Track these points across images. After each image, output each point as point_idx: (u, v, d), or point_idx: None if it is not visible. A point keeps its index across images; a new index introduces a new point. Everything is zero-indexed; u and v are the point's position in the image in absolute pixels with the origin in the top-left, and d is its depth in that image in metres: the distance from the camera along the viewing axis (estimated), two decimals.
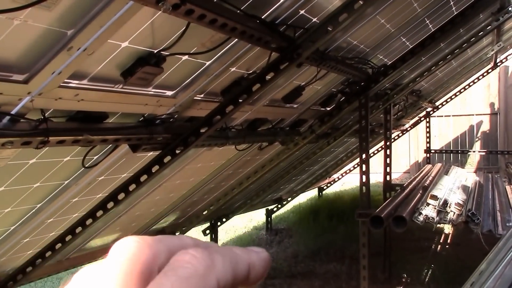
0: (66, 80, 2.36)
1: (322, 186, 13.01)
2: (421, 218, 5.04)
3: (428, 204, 5.23)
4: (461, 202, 5.52)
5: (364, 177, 5.54)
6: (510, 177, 9.11)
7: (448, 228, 9.63)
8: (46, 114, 2.47)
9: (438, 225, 5.66)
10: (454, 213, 5.18)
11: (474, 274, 2.80)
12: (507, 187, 7.59)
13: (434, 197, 5.31)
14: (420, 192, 6.08)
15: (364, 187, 5.54)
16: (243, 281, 0.43)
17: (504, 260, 2.51)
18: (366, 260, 5.44)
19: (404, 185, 6.92)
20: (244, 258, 0.44)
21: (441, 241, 9.28)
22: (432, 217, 5.07)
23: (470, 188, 6.90)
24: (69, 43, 2.10)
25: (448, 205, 5.24)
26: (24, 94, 2.23)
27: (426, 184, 6.66)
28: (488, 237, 5.03)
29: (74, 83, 2.45)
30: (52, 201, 3.57)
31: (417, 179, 7.79)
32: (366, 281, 5.47)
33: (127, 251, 0.40)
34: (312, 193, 13.50)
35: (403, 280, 7.09)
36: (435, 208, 5.19)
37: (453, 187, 6.47)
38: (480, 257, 2.88)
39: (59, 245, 3.91)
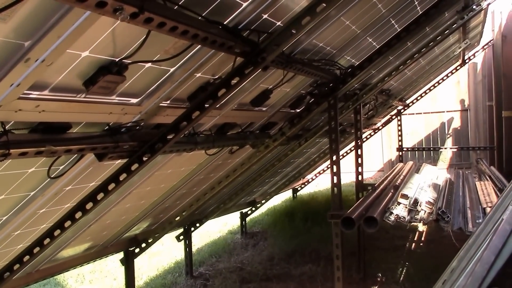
0: (26, 92, 2.33)
1: (297, 187, 13.03)
2: (392, 217, 5.07)
3: (399, 204, 5.27)
4: (431, 201, 5.56)
5: (335, 178, 5.56)
6: (480, 173, 9.22)
7: (421, 226, 9.71)
8: (6, 127, 2.43)
9: (411, 223, 5.69)
10: (425, 211, 5.22)
11: (445, 272, 2.81)
12: (477, 184, 7.67)
13: (405, 196, 5.36)
14: (391, 191, 6.12)
15: (335, 188, 5.55)
16: None
17: (474, 257, 2.52)
18: (340, 261, 5.45)
19: (376, 185, 6.95)
20: None
21: (415, 238, 9.35)
22: (403, 217, 5.10)
23: (440, 186, 6.96)
24: (26, 54, 2.07)
25: (419, 203, 5.28)
26: None
27: (397, 183, 6.70)
28: (459, 234, 5.08)
29: (34, 94, 2.42)
30: (19, 213, 3.52)
31: (389, 178, 7.84)
32: (341, 282, 5.47)
33: None
34: (287, 194, 13.52)
35: (378, 279, 7.11)
36: (406, 207, 5.23)
37: (424, 185, 6.52)
38: (453, 254, 2.89)
39: (27, 257, 3.86)
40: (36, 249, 3.83)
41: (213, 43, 2.77)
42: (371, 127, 11.74)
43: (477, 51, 11.36)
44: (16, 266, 3.93)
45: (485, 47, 11.89)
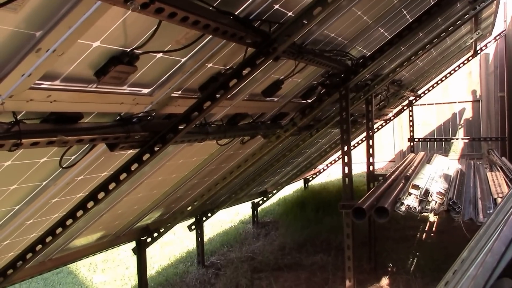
0: (37, 82, 2.34)
1: (308, 177, 13.03)
2: (403, 208, 5.06)
3: (409, 194, 5.25)
4: (442, 191, 5.54)
5: (346, 168, 5.56)
6: (492, 164, 9.17)
7: (432, 216, 9.69)
8: (18, 117, 2.45)
9: (422, 214, 5.68)
10: (436, 202, 5.20)
11: (456, 262, 2.80)
12: (488, 174, 7.63)
13: (416, 187, 5.34)
14: (402, 182, 6.10)
15: (346, 179, 5.55)
16: None
17: (485, 247, 2.51)
18: (351, 251, 5.46)
19: (387, 175, 6.94)
20: None
21: (426, 229, 9.33)
22: (414, 207, 5.08)
23: (451, 177, 6.93)
24: (37, 44, 2.08)
25: (430, 194, 5.27)
26: None
27: (408, 174, 6.69)
28: (470, 224, 5.07)
29: (45, 84, 2.43)
30: (31, 202, 3.55)
31: (400, 168, 7.82)
32: (352, 271, 5.49)
33: None
34: (298, 185, 13.53)
35: (389, 269, 7.12)
36: (416, 198, 5.21)
37: (435, 176, 6.50)
38: (464, 244, 2.89)
39: (39, 246, 3.90)
40: (49, 238, 3.87)
41: (224, 33, 2.77)
42: (382, 118, 11.71)
43: (489, 42, 11.28)
44: (29, 255, 3.96)
45: (497, 38, 11.81)
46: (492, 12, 8.32)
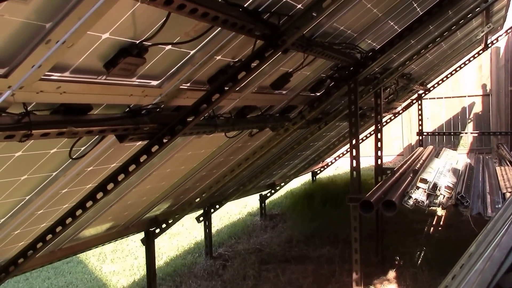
0: (47, 73, 2.35)
1: (316, 170, 13.02)
2: (411, 202, 5.06)
3: (418, 188, 5.25)
4: (451, 185, 5.53)
5: (354, 161, 5.56)
6: (501, 158, 9.14)
7: (440, 210, 9.67)
8: (28, 108, 2.47)
9: (430, 208, 5.68)
10: (444, 196, 5.19)
11: (463, 257, 2.80)
12: (498, 169, 7.61)
13: (424, 181, 5.33)
14: (411, 175, 6.10)
15: (354, 172, 5.56)
16: None
17: (493, 242, 2.51)
18: (358, 243, 5.47)
19: (395, 169, 6.93)
20: None
21: (433, 223, 9.33)
22: (422, 201, 5.08)
23: (460, 171, 6.92)
24: (47, 36, 2.09)
25: (438, 188, 5.26)
26: (5, 88, 2.22)
27: (416, 168, 6.67)
28: (478, 219, 5.06)
29: (55, 75, 2.45)
30: (41, 192, 3.58)
31: (408, 162, 7.81)
32: (358, 264, 5.50)
33: None
34: (306, 177, 13.52)
35: (396, 263, 7.12)
36: (425, 192, 5.21)
37: (443, 170, 6.48)
38: (472, 239, 2.89)
39: (50, 236, 3.92)
40: (59, 228, 3.89)
41: (233, 25, 2.77)
42: (391, 111, 11.68)
43: (500, 35, 11.20)
44: (39, 245, 3.99)
45: (508, 31, 11.71)
46: (504, 5, 8.27)
